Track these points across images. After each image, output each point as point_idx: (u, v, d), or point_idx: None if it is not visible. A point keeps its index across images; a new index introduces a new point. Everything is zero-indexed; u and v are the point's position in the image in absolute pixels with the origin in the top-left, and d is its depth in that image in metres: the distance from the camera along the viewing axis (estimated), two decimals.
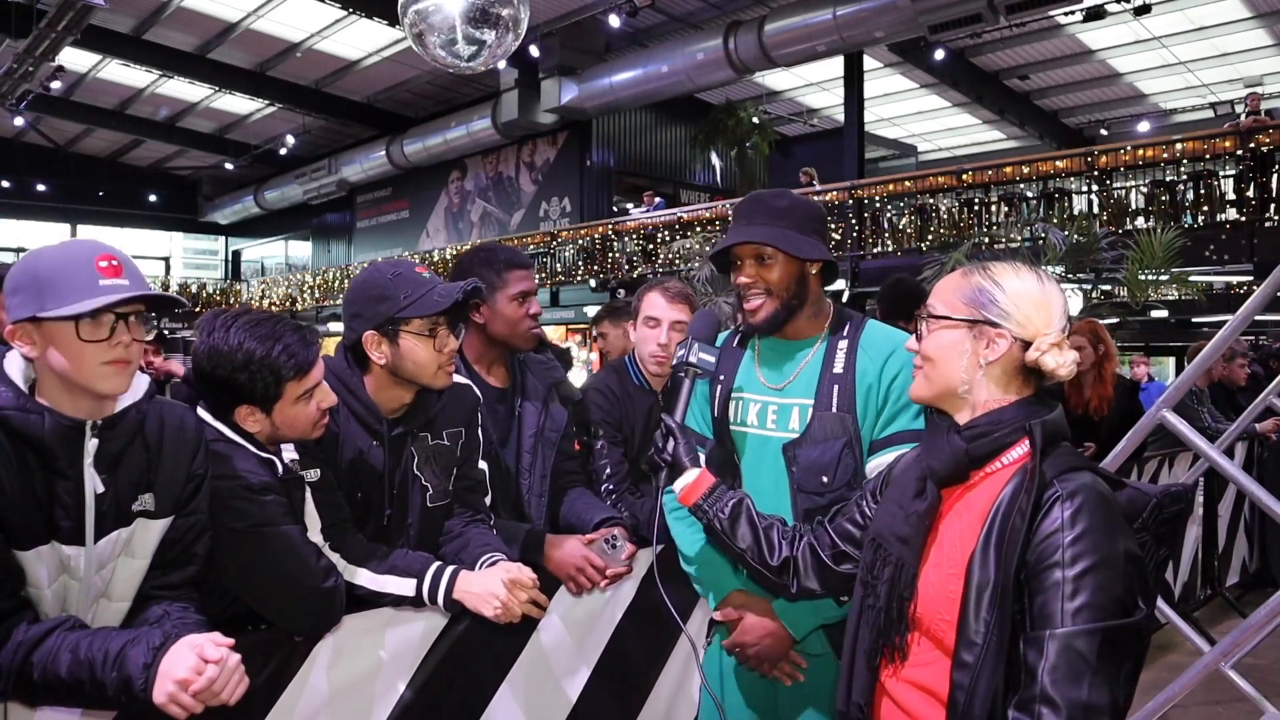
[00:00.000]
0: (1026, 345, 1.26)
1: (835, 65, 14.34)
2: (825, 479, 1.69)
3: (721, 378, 1.85)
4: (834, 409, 1.70)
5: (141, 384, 1.42)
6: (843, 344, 1.76)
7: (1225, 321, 2.60)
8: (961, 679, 1.16)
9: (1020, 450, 1.24)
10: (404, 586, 1.69)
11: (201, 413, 1.60)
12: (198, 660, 1.23)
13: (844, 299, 10.85)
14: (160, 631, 1.30)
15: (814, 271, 1.76)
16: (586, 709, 2.07)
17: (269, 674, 1.61)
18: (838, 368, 1.73)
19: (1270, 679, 3.35)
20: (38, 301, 1.26)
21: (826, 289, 1.86)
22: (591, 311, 14.09)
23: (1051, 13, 12.06)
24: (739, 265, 1.78)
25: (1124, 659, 1.10)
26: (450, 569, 1.71)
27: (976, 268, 1.33)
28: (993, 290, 1.29)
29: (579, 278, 14.62)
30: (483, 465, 2.01)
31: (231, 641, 1.28)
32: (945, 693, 1.20)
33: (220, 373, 1.55)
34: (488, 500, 2.01)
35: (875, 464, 1.69)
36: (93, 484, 1.34)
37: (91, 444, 1.33)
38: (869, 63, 14.65)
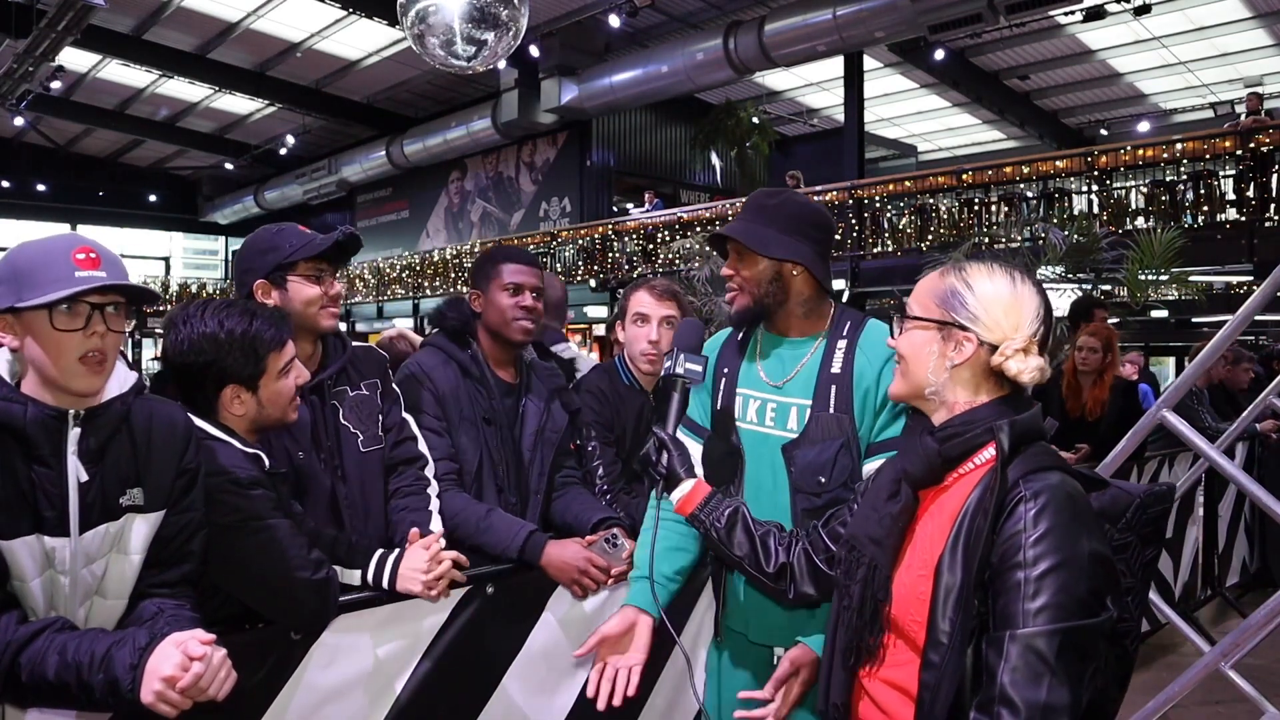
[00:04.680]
0: (994, 349, 1.25)
1: (835, 65, 14.33)
2: (822, 479, 1.69)
3: (725, 370, 1.86)
4: (831, 409, 1.70)
5: (129, 377, 1.42)
6: (841, 344, 1.75)
7: (1225, 321, 2.60)
8: (928, 679, 1.17)
9: (992, 451, 1.23)
10: (349, 577, 1.76)
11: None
12: (183, 657, 1.24)
13: (844, 299, 10.84)
14: (146, 631, 1.30)
15: (796, 272, 1.76)
16: (585, 710, 2.07)
17: (266, 672, 1.61)
18: (835, 368, 1.73)
19: (1270, 679, 3.35)
20: (16, 293, 1.28)
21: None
22: (591, 311, 14.15)
23: (1051, 13, 12.05)
24: (728, 259, 1.83)
25: (1087, 660, 1.09)
26: (393, 556, 1.78)
27: (953, 268, 1.32)
28: (963, 292, 1.28)
29: (579, 278, 14.61)
30: (408, 417, 2.09)
31: (213, 638, 1.28)
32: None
33: (204, 358, 1.59)
34: (429, 470, 2.07)
35: (871, 468, 1.69)
36: (75, 473, 1.34)
37: (74, 433, 1.34)
38: (869, 63, 14.64)
